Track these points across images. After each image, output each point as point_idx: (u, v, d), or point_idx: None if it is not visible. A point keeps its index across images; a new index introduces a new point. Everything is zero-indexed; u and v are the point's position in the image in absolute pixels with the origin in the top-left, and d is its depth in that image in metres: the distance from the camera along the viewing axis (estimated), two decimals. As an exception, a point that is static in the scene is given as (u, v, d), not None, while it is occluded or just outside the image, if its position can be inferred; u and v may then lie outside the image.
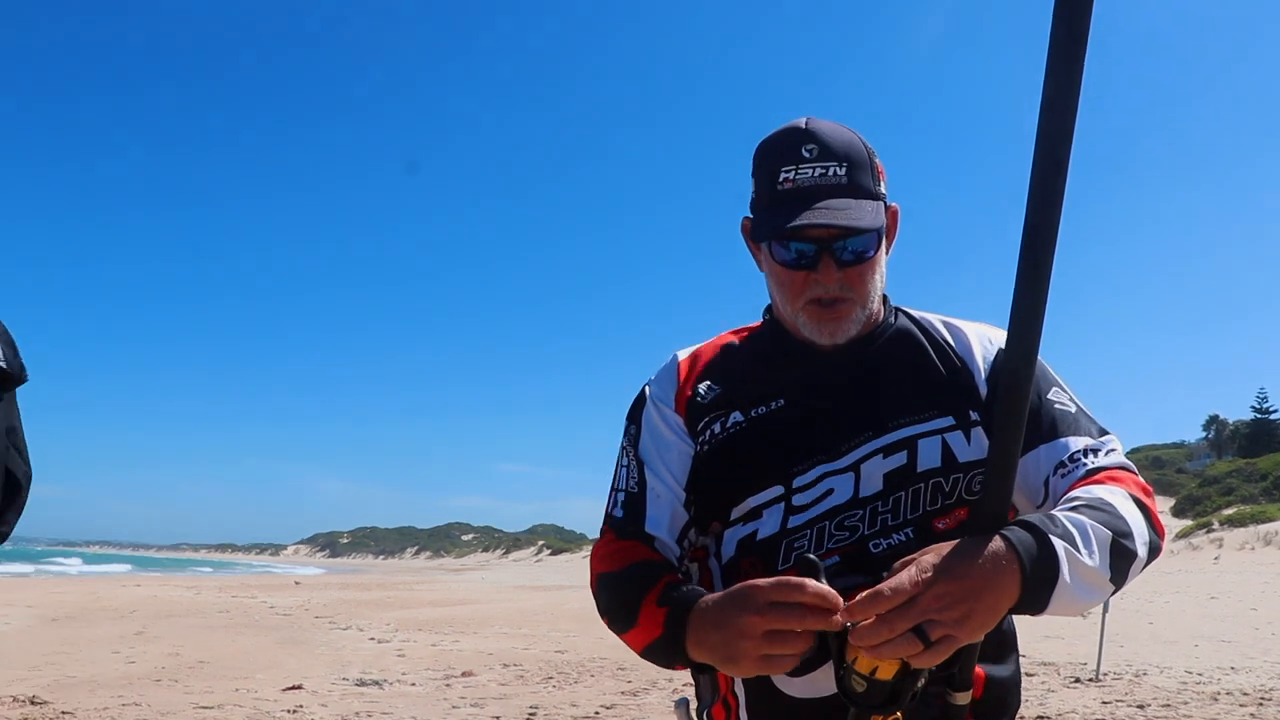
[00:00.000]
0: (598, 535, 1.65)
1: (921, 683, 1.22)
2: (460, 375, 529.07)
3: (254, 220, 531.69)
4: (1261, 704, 8.25)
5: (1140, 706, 8.17)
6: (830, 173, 1.47)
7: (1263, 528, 39.08)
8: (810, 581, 1.22)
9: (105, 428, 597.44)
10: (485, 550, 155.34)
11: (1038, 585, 1.21)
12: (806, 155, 1.47)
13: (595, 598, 1.56)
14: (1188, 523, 45.76)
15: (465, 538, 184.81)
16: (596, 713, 8.21)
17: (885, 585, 1.17)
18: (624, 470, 1.64)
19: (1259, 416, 74.03)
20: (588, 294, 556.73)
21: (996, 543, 1.21)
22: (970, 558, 1.19)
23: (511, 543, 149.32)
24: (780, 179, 1.48)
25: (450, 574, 67.90)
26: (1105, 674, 9.67)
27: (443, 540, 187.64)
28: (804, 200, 1.46)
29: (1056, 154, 1.18)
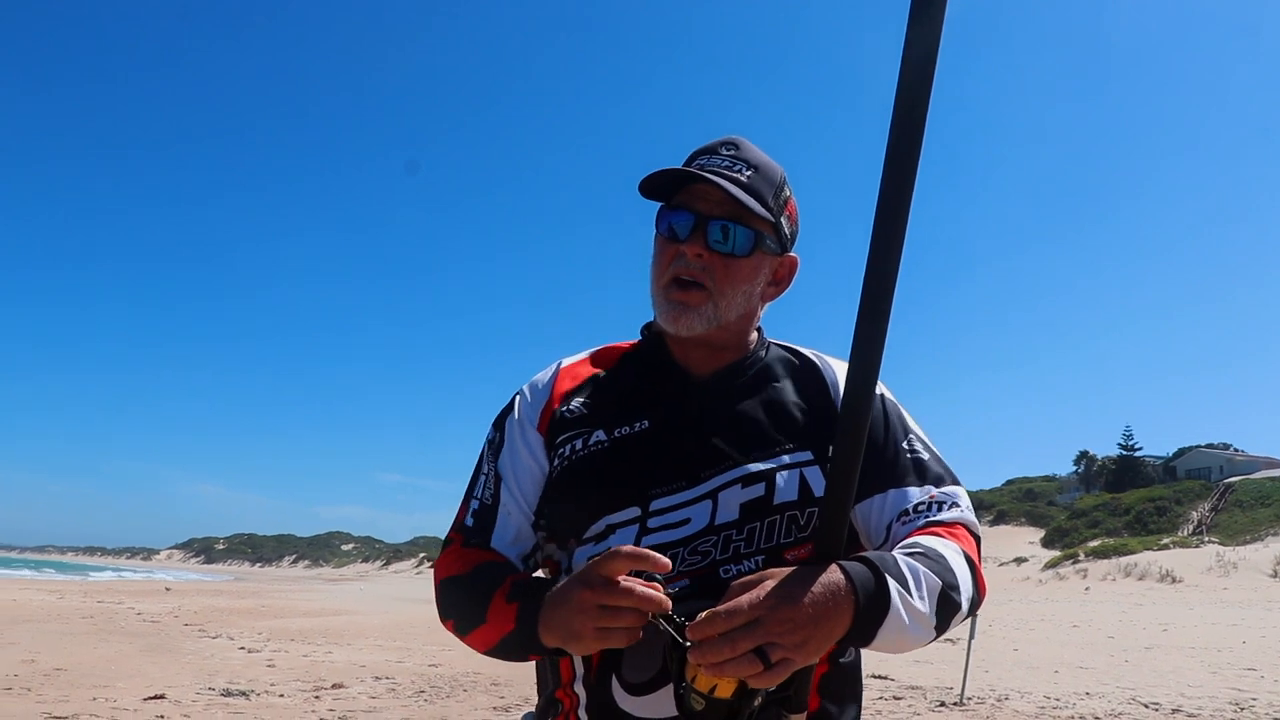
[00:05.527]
0: (445, 538, 1.66)
1: (758, 702, 1.25)
2: (341, 384, 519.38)
3: (124, 227, 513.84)
4: (1112, 729, 8.61)
5: (999, 730, 8.45)
6: (736, 167, 1.55)
7: (1124, 560, 40.79)
8: (626, 546, 1.28)
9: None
10: (365, 561, 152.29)
11: (868, 619, 1.27)
12: (723, 152, 1.57)
13: (438, 602, 1.57)
14: (1056, 553, 47.43)
15: (345, 547, 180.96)
16: (468, 728, 8.13)
17: (724, 606, 1.21)
18: (483, 479, 1.65)
19: (1125, 453, 77.13)
20: (470, 309, 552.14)
21: (835, 574, 1.26)
22: (809, 585, 1.23)
23: (392, 554, 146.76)
24: (693, 166, 1.56)
25: (328, 584, 66.53)
26: (970, 698, 9.95)
27: (322, 549, 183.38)
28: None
29: (900, 188, 1.23)
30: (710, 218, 1.54)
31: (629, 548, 1.28)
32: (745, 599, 1.21)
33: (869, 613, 1.26)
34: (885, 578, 1.28)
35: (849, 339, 1.27)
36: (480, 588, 1.48)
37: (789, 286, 1.68)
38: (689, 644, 1.23)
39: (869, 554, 1.33)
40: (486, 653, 1.49)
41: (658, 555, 1.27)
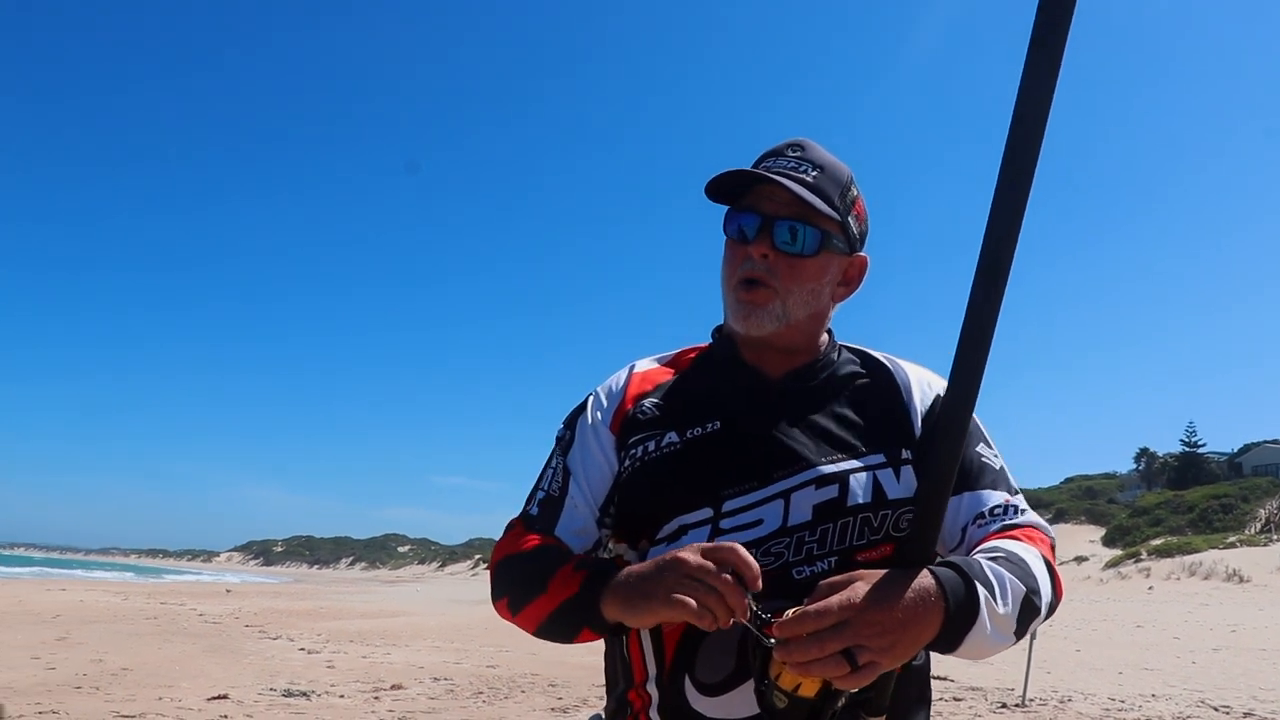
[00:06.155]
0: (507, 525, 1.65)
1: (841, 703, 1.25)
2: (395, 386, 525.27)
3: (188, 229, 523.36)
4: (1180, 732, 8.42)
5: (1063, 732, 8.30)
6: (802, 168, 1.56)
7: (1188, 559, 39.92)
8: (743, 548, 1.27)
9: (33, 429, 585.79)
10: (422, 562, 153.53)
11: (957, 626, 1.27)
12: (789, 153, 1.58)
13: (493, 581, 1.57)
14: (1117, 552, 46.59)
15: (402, 549, 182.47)
16: (526, 729, 8.16)
17: (814, 606, 1.21)
18: (550, 472, 1.65)
19: (1187, 450, 75.54)
20: (526, 311, 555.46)
21: (926, 579, 1.27)
22: (900, 589, 1.24)
23: (448, 555, 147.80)
24: (760, 168, 1.57)
25: (385, 585, 67.32)
26: (1031, 700, 9.81)
27: (379, 551, 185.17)
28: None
29: (1015, 197, 1.25)
30: (776, 218, 1.54)
31: (743, 550, 1.27)
32: (835, 600, 1.21)
33: (958, 619, 1.27)
34: (974, 584, 1.29)
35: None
36: (544, 562, 1.49)
37: (859, 287, 1.68)
38: (773, 641, 1.22)
39: (955, 559, 1.33)
40: (535, 630, 1.49)
41: (758, 571, 1.26)
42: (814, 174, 1.55)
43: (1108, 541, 51.31)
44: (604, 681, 1.72)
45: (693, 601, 1.24)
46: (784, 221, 1.54)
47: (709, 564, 1.26)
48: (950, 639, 1.27)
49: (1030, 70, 1.24)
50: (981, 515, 1.52)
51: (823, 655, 1.19)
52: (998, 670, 11.89)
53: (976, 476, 1.55)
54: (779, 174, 1.54)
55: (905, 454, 1.56)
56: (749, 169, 1.56)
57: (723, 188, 1.59)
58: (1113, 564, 43.79)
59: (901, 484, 1.53)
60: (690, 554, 1.28)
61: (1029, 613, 1.36)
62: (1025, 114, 1.25)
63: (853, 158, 1.63)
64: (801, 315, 1.60)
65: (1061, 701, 9.96)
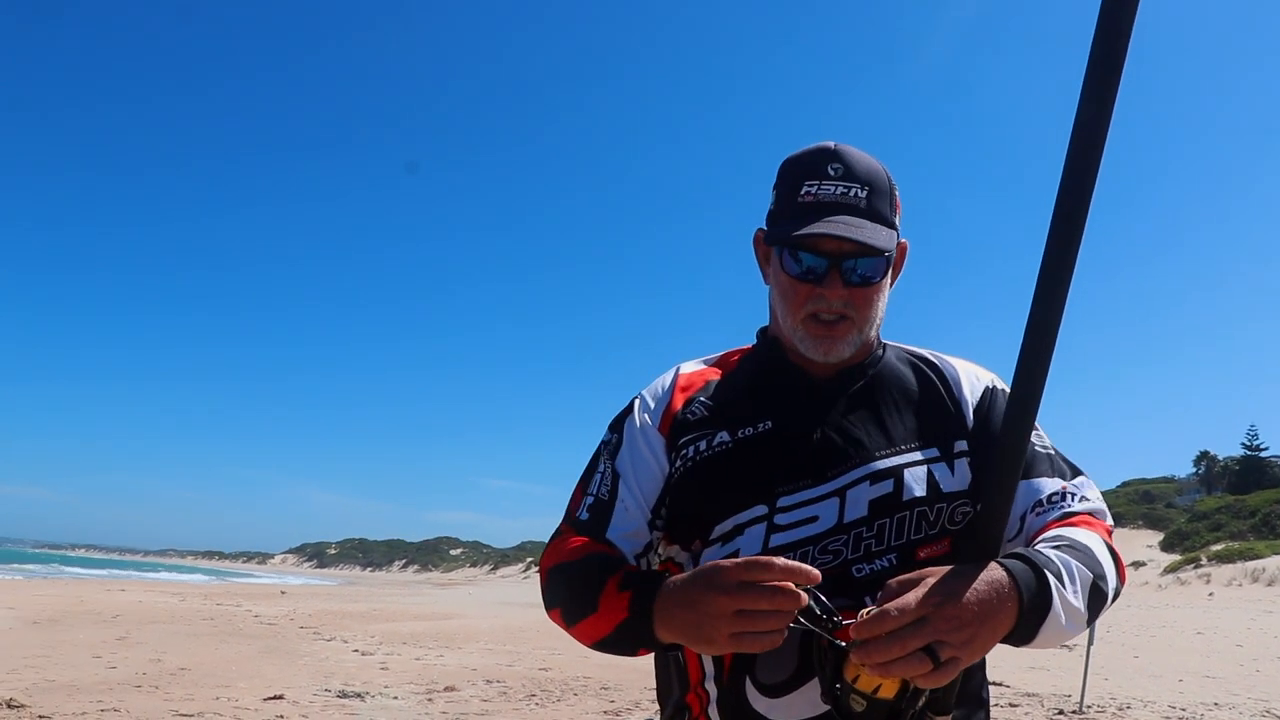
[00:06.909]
0: (555, 531, 1.63)
1: (921, 703, 1.23)
2: (449, 390, 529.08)
3: (249, 231, 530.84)
4: (1243, 741, 8.23)
5: (1122, 740, 8.15)
6: (851, 193, 1.52)
7: (1250, 564, 39.05)
8: (780, 559, 1.23)
9: (95, 432, 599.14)
10: (473, 565, 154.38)
11: (1031, 617, 1.26)
12: (831, 173, 1.53)
13: (545, 591, 1.55)
14: (1176, 557, 45.72)
15: (454, 552, 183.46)
16: (578, 731, 8.17)
17: (892, 605, 1.20)
18: (598, 476, 1.63)
19: (1249, 453, 73.85)
20: (576, 314, 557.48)
21: (997, 571, 1.26)
22: (973, 583, 1.23)
23: (500, 558, 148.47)
24: (802, 192, 1.53)
25: (437, 588, 67.79)
26: (1089, 707, 9.64)
27: (431, 554, 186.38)
28: (822, 214, 1.51)
29: (1078, 200, 1.23)
30: (843, 257, 1.52)
31: (782, 560, 1.23)
32: (911, 596, 1.20)
33: (1032, 610, 1.26)
34: (1045, 574, 1.28)
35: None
36: (592, 575, 1.46)
37: (902, 270, 1.67)
38: (847, 644, 1.21)
39: (1022, 550, 1.32)
40: (594, 645, 1.47)
41: (809, 568, 1.24)
42: (864, 195, 1.53)
43: (1166, 547, 50.33)
44: (655, 685, 1.71)
45: (759, 638, 1.23)
46: (850, 260, 1.52)
47: (748, 590, 1.22)
48: (1026, 631, 1.27)
49: (1089, 92, 1.21)
50: (1039, 503, 1.51)
51: (904, 654, 1.17)
52: (1054, 677, 11.72)
53: (1030, 465, 1.53)
54: (831, 205, 1.51)
55: (959, 446, 1.56)
56: (818, 232, 1.49)
57: (774, 215, 1.60)
58: (1171, 569, 43.00)
59: (956, 477, 1.53)
60: (718, 594, 1.23)
61: (1098, 599, 1.35)
62: (1086, 124, 1.22)
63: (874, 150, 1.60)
64: (872, 331, 1.61)
65: (1120, 709, 9.77)
